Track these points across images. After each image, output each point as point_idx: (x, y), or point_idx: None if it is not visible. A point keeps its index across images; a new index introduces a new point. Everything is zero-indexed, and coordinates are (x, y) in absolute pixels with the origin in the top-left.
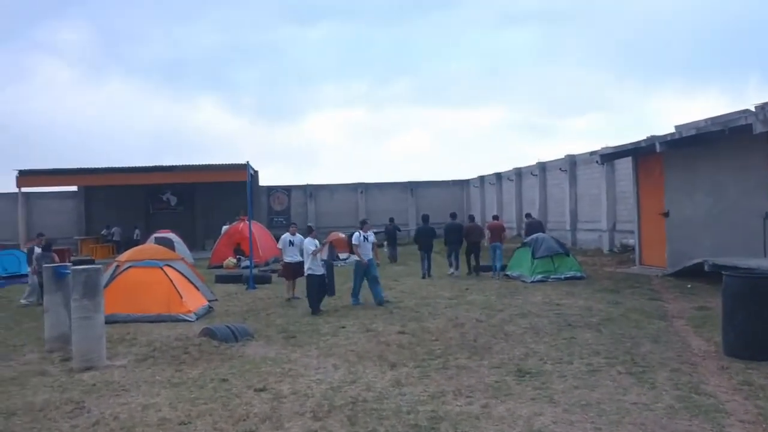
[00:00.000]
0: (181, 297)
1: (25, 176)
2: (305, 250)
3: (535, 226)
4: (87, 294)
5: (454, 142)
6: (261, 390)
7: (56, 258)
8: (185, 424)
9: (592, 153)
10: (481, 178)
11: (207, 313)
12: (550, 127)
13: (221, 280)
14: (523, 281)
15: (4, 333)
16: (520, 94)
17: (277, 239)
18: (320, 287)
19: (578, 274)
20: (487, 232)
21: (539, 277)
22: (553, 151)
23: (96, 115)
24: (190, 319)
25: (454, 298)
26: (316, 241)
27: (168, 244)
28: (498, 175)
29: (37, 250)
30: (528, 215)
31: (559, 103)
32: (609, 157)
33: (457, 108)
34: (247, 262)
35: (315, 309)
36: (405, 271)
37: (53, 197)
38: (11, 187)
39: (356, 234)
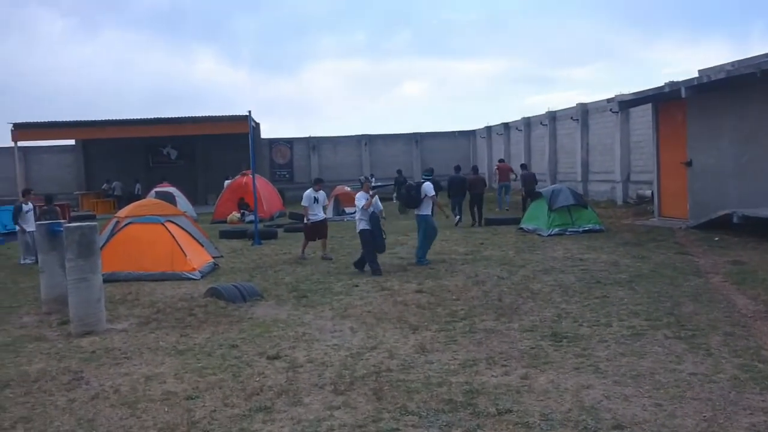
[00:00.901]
0: (185, 254)
1: (21, 129)
2: (357, 204)
3: (528, 179)
4: (82, 253)
5: (457, 93)
6: (274, 358)
7: (60, 213)
8: (192, 398)
9: (609, 100)
10: (488, 129)
11: (212, 271)
12: (552, 78)
13: (225, 235)
14: (540, 235)
15: (1, 294)
16: (521, 44)
17: (281, 193)
18: (374, 242)
19: (597, 227)
20: (495, 173)
21: (556, 230)
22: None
23: (92, 68)
24: (194, 277)
25: (469, 253)
26: (367, 195)
27: (169, 198)
28: (506, 125)
29: (25, 207)
30: (523, 166)
31: (561, 53)
32: (627, 104)
33: (459, 59)
34: (251, 217)
35: (376, 268)
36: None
37: (51, 152)
38: (8, 142)
39: (427, 185)
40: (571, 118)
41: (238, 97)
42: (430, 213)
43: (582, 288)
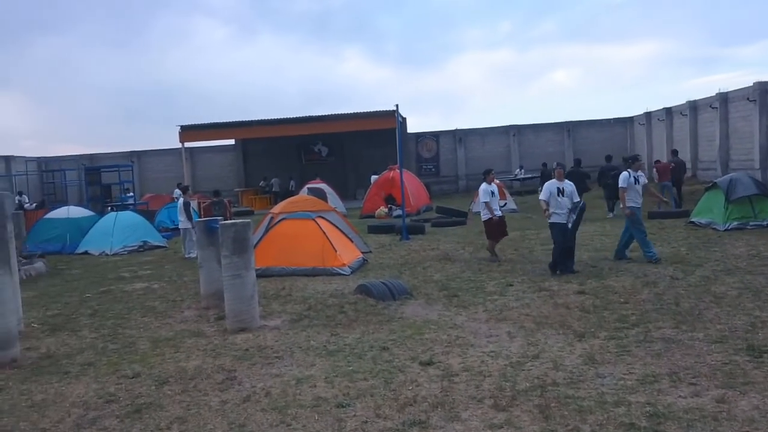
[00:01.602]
0: (335, 249)
1: (187, 131)
2: (542, 196)
3: (679, 166)
4: (236, 250)
5: (607, 79)
6: (427, 364)
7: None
8: (343, 406)
9: None
10: (648, 115)
11: (361, 266)
12: (715, 58)
13: (374, 230)
14: (715, 229)
15: (167, 287)
16: (675, 25)
17: (427, 187)
18: (566, 238)
19: None
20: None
21: (735, 223)
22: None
23: (249, 71)
24: (344, 272)
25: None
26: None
27: (320, 194)
28: (668, 110)
29: (182, 200)
30: (674, 152)
31: (724, 31)
32: None
33: (608, 43)
34: (398, 212)
35: (566, 266)
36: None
37: (214, 151)
38: (176, 143)
39: (624, 174)
40: (747, 98)
41: (383, 94)
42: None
43: None
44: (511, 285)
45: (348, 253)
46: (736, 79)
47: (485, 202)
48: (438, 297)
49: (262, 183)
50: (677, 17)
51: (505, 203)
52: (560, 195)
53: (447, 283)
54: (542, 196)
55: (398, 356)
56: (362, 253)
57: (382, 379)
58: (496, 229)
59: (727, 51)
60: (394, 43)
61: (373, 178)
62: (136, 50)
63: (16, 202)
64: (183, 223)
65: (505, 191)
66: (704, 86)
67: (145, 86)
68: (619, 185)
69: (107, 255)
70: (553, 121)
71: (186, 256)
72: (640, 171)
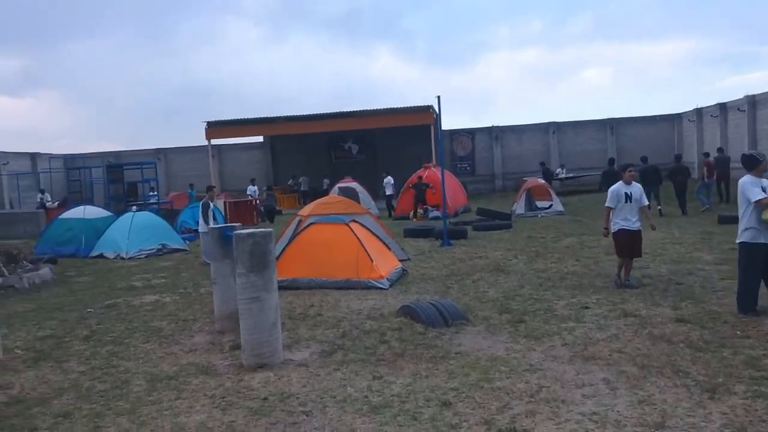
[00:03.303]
0: (371, 259)
1: (213, 127)
2: (745, 195)
3: (723, 163)
4: (255, 267)
5: (642, 77)
6: None
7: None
8: None
9: None
10: (698, 111)
11: (400, 278)
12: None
13: (410, 234)
14: None
15: (180, 301)
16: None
17: (465, 186)
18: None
19: None
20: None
21: None
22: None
23: (280, 71)
24: (382, 286)
25: (722, 262)
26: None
27: (352, 194)
28: (722, 106)
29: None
30: (720, 150)
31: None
32: None
33: (641, 41)
34: (435, 213)
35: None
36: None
37: (241, 149)
38: (204, 141)
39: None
40: None
41: (413, 93)
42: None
43: None
44: (586, 307)
45: (386, 263)
46: None
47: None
48: (500, 323)
49: (290, 181)
50: (712, 14)
51: (551, 205)
52: (628, 201)
53: (506, 302)
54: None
55: (466, 417)
56: (400, 261)
57: None
58: (626, 244)
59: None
60: (423, 42)
61: (387, 180)
62: (168, 51)
63: (38, 200)
64: (202, 226)
65: (551, 191)
66: (737, 85)
67: (176, 86)
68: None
69: (122, 259)
70: (594, 118)
71: (205, 261)
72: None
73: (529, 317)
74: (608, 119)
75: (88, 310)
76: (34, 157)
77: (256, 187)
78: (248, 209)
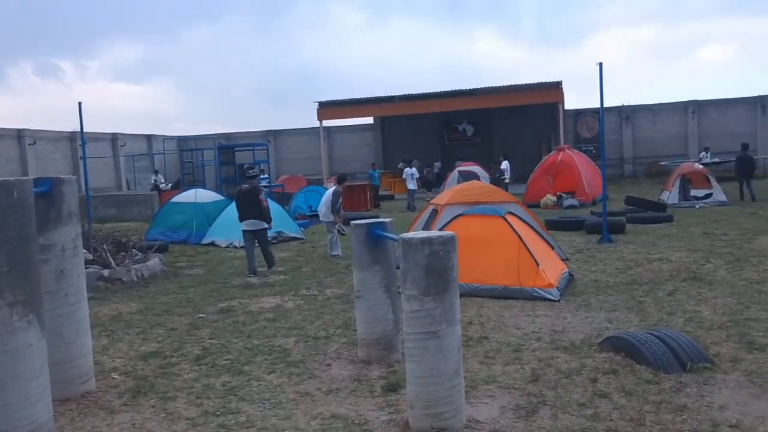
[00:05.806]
0: (536, 262)
1: (325, 108)
2: None
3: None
4: (432, 288)
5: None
6: None
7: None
8: None
9: None
10: None
11: (568, 285)
12: None
13: (553, 226)
14: None
15: (305, 307)
16: None
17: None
18: None
19: None
20: None
21: None
22: None
23: (384, 55)
24: (552, 297)
25: None
26: None
27: (474, 179)
28: None
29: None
30: (744, 146)
31: None
32: None
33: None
34: (570, 201)
35: None
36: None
37: (351, 131)
38: (315, 122)
39: None
40: None
41: (520, 73)
42: None
43: None
44: None
45: (552, 267)
46: None
47: None
48: (758, 366)
49: (400, 165)
50: None
51: (711, 193)
52: None
53: (741, 330)
54: None
55: None
56: (564, 262)
57: None
58: None
59: None
60: (529, 22)
61: (408, 171)
62: (278, 36)
63: (152, 181)
64: (325, 215)
65: (711, 178)
66: None
67: (287, 70)
68: None
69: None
70: (744, 96)
71: (331, 254)
72: None
73: None
74: (759, 96)
75: (200, 315)
76: (149, 138)
77: (414, 169)
78: (362, 193)
